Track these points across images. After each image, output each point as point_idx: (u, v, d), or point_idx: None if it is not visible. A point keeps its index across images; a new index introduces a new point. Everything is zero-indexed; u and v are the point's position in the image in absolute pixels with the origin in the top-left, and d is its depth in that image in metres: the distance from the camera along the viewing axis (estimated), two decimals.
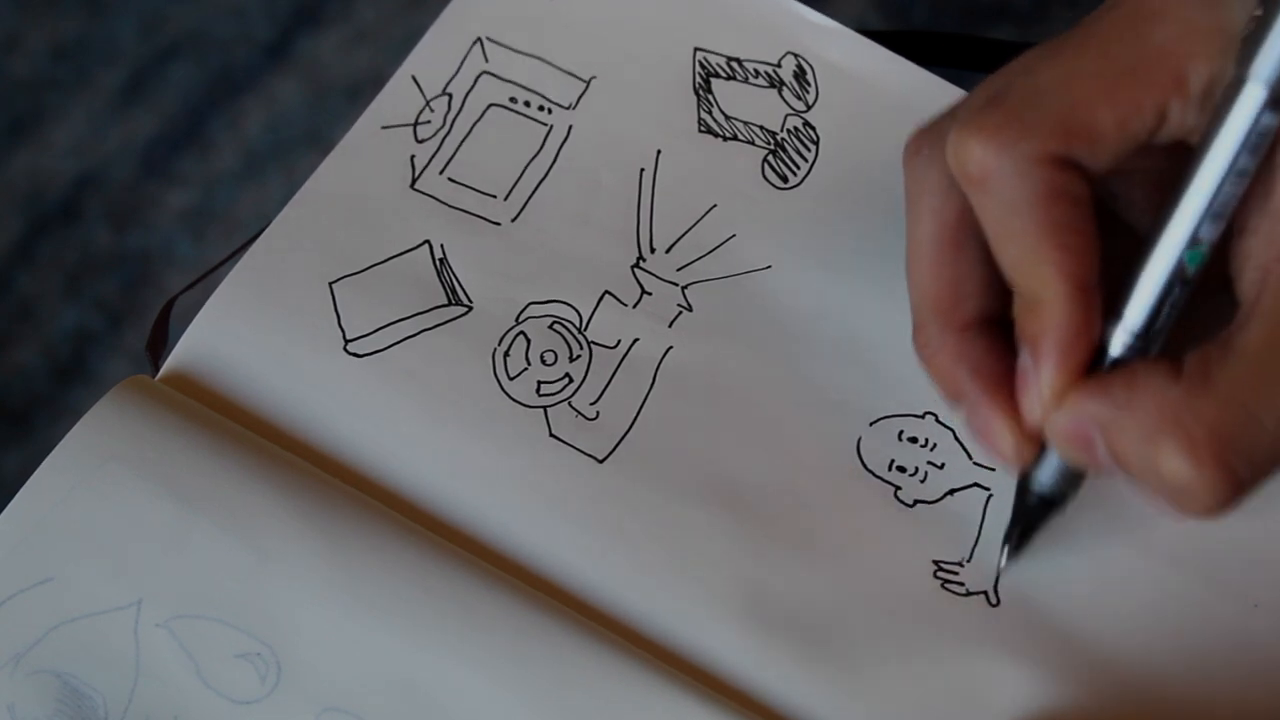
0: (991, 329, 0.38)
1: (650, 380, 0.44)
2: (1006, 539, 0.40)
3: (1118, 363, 0.36)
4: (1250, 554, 0.41)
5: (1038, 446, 0.38)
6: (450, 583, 0.40)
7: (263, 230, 0.45)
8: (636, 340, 0.44)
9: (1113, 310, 0.36)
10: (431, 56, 0.48)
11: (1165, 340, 0.36)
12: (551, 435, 0.43)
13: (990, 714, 0.40)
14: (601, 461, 0.43)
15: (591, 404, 0.43)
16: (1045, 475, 0.38)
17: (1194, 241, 0.35)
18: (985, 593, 0.41)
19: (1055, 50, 0.36)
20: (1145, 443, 0.34)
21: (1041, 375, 0.36)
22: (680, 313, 0.44)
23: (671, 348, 0.44)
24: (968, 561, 0.41)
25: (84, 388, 1.12)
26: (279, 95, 1.20)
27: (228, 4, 1.23)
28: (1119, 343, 0.36)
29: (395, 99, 0.47)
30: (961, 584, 0.41)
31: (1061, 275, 0.35)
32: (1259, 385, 0.34)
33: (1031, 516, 0.40)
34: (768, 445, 0.43)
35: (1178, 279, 0.35)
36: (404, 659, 0.39)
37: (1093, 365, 0.36)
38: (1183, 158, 0.35)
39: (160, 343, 0.45)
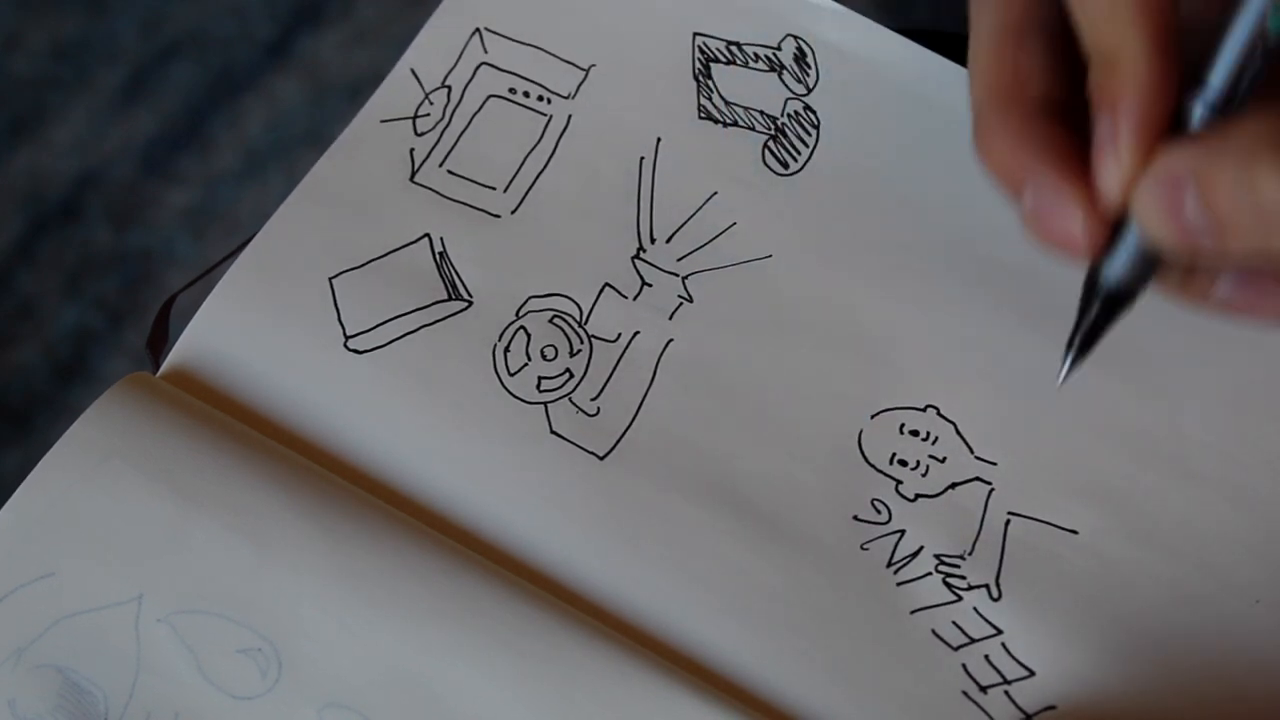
0: (1056, 117, 0.37)
1: (651, 374, 0.44)
2: (1071, 339, 0.38)
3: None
4: (1252, 549, 0.41)
5: (1109, 230, 0.36)
6: (451, 579, 0.40)
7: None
8: (637, 333, 0.44)
9: (1185, 88, 0.35)
10: (430, 49, 0.48)
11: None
12: (552, 432, 0.43)
13: (991, 709, 0.40)
14: (602, 458, 0.42)
15: (592, 400, 0.43)
16: (1115, 266, 0.36)
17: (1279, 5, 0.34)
18: (986, 586, 0.41)
19: None
20: (1242, 171, 0.33)
21: (1121, 135, 0.35)
22: (681, 304, 0.44)
23: (672, 340, 0.44)
24: (969, 555, 0.41)
25: (84, 386, 1.12)
26: (279, 94, 1.20)
27: (228, 3, 1.23)
28: (1197, 115, 0.35)
29: (394, 92, 0.47)
30: (963, 578, 0.41)
31: (1144, 31, 0.34)
32: None
33: (1100, 314, 0.37)
34: (768, 438, 0.42)
35: (1260, 44, 0.35)
36: (405, 655, 0.39)
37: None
38: None
39: (160, 341, 0.45)
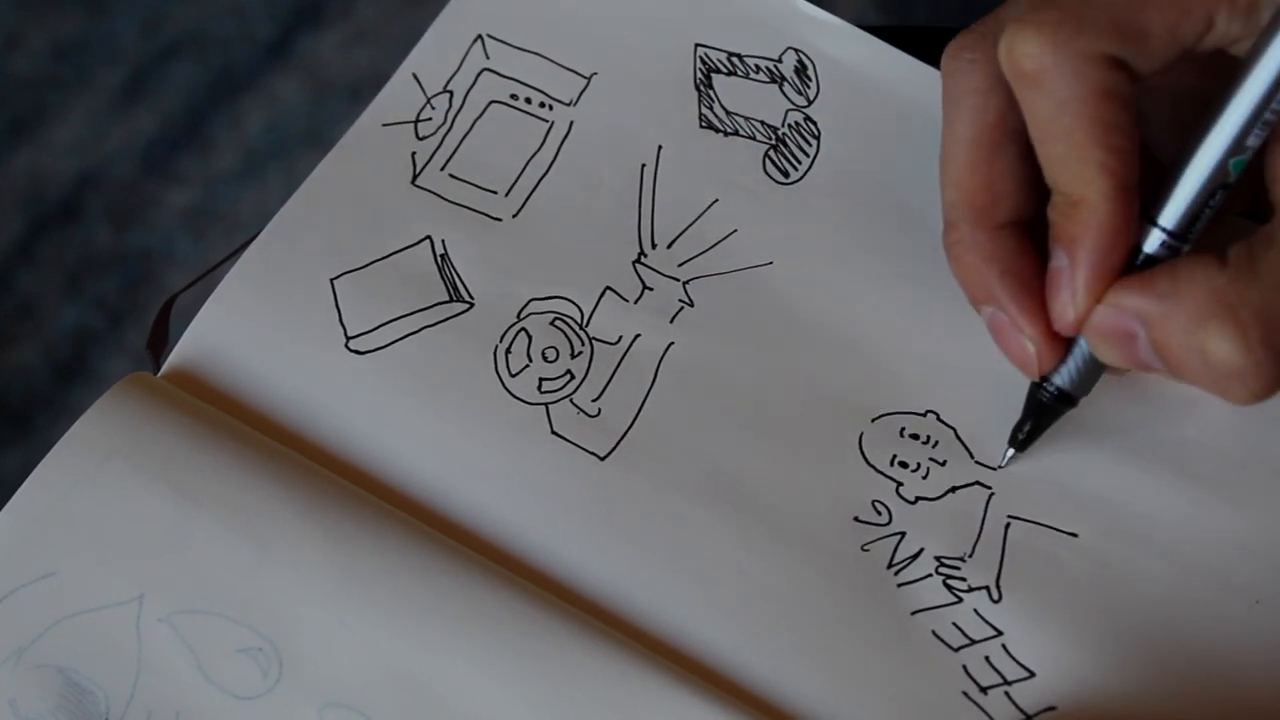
0: (1021, 233, 0.39)
1: (652, 376, 0.44)
2: (1015, 432, 0.41)
3: (1150, 262, 0.37)
4: (1252, 550, 0.41)
5: (1058, 354, 0.39)
6: (452, 579, 0.40)
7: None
8: (638, 336, 0.44)
9: (1145, 215, 0.37)
10: (433, 53, 0.48)
11: (1196, 246, 0.37)
12: (553, 432, 0.43)
13: (991, 710, 0.40)
14: (603, 459, 0.43)
15: (593, 401, 0.43)
16: (1063, 375, 0.39)
17: (1239, 148, 0.36)
18: (987, 588, 0.41)
19: None
20: (1192, 330, 0.35)
21: (1078, 274, 0.36)
22: (681, 308, 0.44)
23: (673, 344, 0.44)
24: (969, 557, 0.41)
25: (85, 386, 1.12)
26: (279, 95, 1.20)
27: (228, 3, 1.23)
28: (1154, 242, 0.37)
29: (396, 96, 0.47)
30: (964, 579, 0.41)
31: (1105, 174, 0.36)
32: None
33: (1042, 413, 0.40)
34: (769, 441, 0.43)
35: (1219, 183, 0.36)
36: (406, 654, 0.39)
37: (1126, 269, 0.37)
38: (1210, 75, 0.36)
39: (161, 341, 0.45)
